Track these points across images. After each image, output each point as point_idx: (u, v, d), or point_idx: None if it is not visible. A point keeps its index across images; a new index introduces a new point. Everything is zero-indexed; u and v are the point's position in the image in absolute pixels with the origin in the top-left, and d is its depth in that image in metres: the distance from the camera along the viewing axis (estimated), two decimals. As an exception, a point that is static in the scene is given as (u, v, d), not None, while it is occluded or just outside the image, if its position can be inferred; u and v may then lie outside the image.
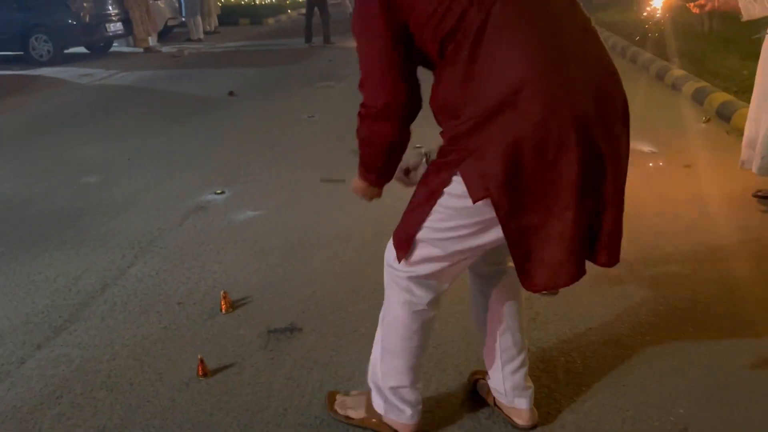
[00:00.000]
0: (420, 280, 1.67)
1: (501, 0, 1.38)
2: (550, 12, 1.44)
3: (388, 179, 1.70)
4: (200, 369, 2.20)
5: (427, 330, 1.76)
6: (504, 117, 1.38)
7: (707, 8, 3.30)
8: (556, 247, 1.48)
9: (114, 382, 2.22)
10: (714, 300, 2.58)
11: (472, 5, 1.39)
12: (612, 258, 1.57)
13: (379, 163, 1.64)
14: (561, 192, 1.43)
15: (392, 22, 1.46)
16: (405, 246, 1.63)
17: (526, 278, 1.55)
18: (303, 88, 7.67)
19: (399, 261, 1.66)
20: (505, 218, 1.46)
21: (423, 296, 1.69)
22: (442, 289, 1.71)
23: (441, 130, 1.54)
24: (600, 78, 1.46)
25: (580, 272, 1.54)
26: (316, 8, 11.44)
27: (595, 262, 1.59)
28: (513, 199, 1.44)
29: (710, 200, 3.55)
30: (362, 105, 1.55)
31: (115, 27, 11.30)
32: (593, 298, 2.57)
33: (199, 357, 2.22)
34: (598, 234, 1.54)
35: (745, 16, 3.25)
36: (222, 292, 2.65)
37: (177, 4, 13.47)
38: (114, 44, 12.19)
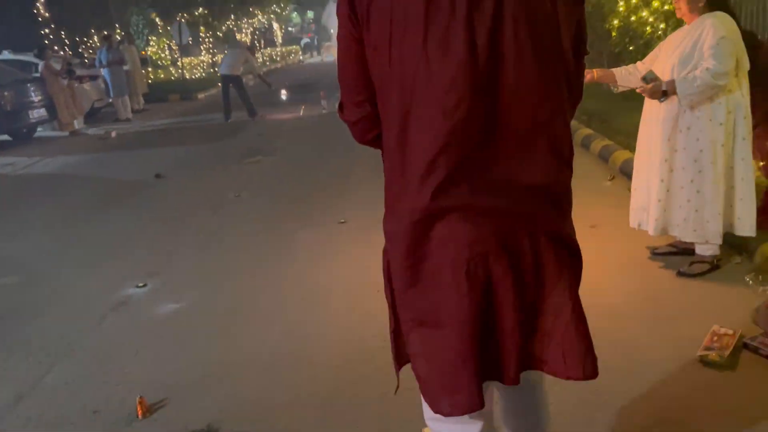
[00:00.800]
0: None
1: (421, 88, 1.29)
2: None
3: None
4: (112, 485, 2.18)
5: None
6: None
7: (587, 79, 3.53)
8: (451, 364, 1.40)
9: (23, 507, 2.18)
10: (613, 359, 2.71)
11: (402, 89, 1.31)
12: (579, 369, 1.45)
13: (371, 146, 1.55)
14: (456, 308, 1.38)
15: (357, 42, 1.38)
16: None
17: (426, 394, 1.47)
18: (231, 165, 7.74)
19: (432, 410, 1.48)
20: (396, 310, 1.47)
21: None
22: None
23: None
24: (520, 193, 1.38)
25: (480, 399, 1.40)
26: (231, 85, 11.36)
27: (556, 374, 1.48)
28: (405, 300, 1.43)
29: (613, 260, 3.77)
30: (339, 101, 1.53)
31: (39, 113, 11.15)
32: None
33: (109, 473, 2.20)
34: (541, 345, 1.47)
35: (620, 88, 3.54)
36: (138, 398, 2.64)
37: (103, 85, 13.42)
38: (39, 128, 12.00)
